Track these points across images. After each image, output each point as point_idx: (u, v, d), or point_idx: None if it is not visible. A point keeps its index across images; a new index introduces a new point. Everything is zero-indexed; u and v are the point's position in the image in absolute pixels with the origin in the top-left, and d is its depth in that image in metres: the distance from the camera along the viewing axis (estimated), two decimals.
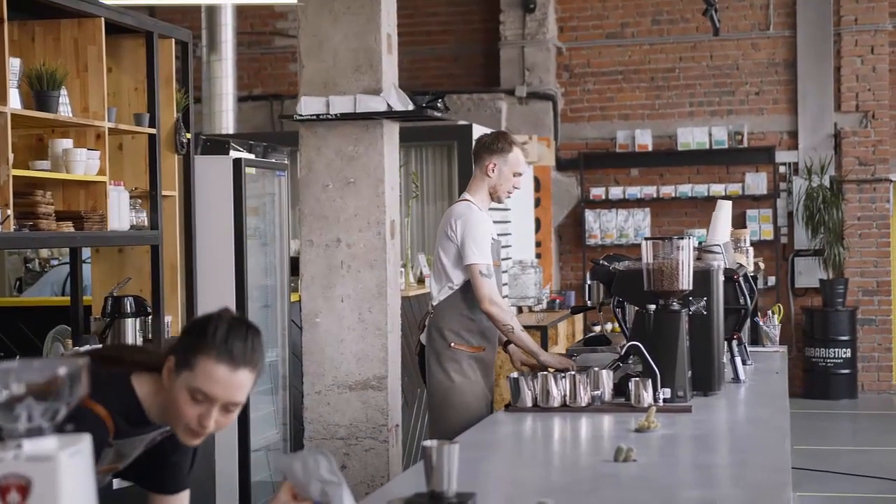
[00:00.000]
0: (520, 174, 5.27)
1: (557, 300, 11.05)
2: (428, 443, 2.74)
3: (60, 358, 1.83)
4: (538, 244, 12.34)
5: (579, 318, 11.18)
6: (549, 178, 12.56)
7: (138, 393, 2.63)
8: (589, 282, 5.14)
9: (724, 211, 5.54)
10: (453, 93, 12.46)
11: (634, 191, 12.75)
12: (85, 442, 1.80)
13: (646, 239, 4.45)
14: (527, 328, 8.96)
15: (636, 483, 3.05)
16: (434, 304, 5.24)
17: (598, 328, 12.26)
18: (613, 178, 12.96)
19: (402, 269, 8.06)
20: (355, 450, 5.68)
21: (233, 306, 6.24)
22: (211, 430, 2.58)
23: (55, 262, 8.56)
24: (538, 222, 12.40)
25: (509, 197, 5.37)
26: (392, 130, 5.91)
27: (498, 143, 5.25)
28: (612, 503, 2.87)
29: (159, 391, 2.62)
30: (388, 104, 5.69)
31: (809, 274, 12.47)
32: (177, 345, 2.61)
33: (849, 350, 12.15)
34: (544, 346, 8.88)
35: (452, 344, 5.14)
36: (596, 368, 4.37)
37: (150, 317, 5.52)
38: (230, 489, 6.22)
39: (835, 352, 12.12)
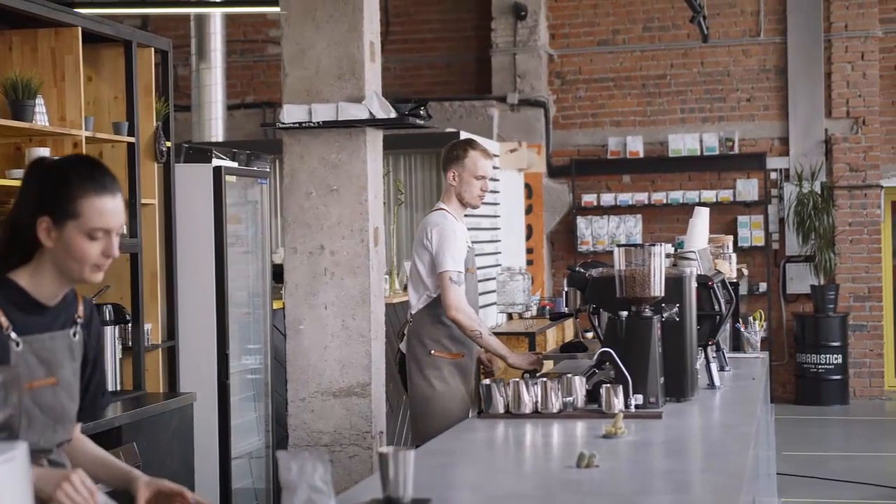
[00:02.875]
0: (482, 177, 5.35)
1: (548, 307, 11.06)
2: (383, 449, 2.77)
3: None
4: (530, 251, 12.37)
5: (569, 324, 11.20)
6: (541, 185, 12.58)
7: (21, 283, 2.69)
8: (566, 288, 5.16)
9: (701, 218, 5.56)
10: (445, 100, 12.50)
11: (626, 197, 12.77)
12: (20, 449, 1.82)
13: (618, 246, 4.47)
14: (515, 335, 9.05)
15: (594, 489, 3.07)
16: (413, 312, 5.33)
17: (590, 335, 12.27)
18: (605, 184, 12.98)
19: (387, 277, 8.08)
20: (339, 456, 5.68)
21: (214, 313, 6.27)
22: (112, 258, 2.69)
23: None
24: (530, 229, 12.42)
25: (482, 200, 5.43)
26: (375, 138, 5.92)
27: (453, 150, 5.39)
28: None
29: (39, 269, 2.69)
30: (371, 112, 5.71)
31: (801, 280, 12.48)
32: (41, 205, 2.67)
33: (840, 356, 12.16)
34: (532, 349, 8.89)
35: (433, 351, 5.23)
36: (569, 375, 4.39)
37: (129, 325, 5.53)
38: (211, 496, 6.23)
39: (826, 358, 12.13)
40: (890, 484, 8.47)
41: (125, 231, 5.56)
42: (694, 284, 4.68)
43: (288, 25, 5.86)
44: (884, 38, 12.54)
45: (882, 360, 12.56)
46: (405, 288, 8.05)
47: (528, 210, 12.36)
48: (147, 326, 5.70)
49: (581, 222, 12.85)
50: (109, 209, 2.68)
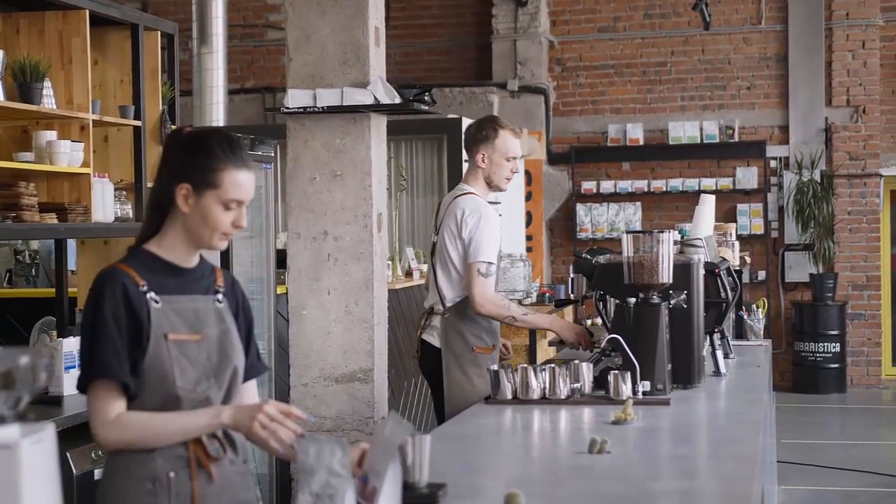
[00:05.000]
0: (513, 158, 5.13)
1: (548, 294, 11.08)
2: None
3: (22, 347, 1.85)
4: (529, 238, 12.37)
5: (569, 311, 11.21)
6: (541, 172, 12.58)
7: (154, 251, 2.85)
8: (572, 275, 5.15)
9: (708, 205, 5.56)
10: (445, 86, 12.49)
11: (626, 185, 12.78)
12: (48, 431, 1.82)
13: (626, 232, 4.46)
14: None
15: (607, 474, 3.07)
16: (448, 304, 5.10)
17: (589, 322, 12.28)
18: (605, 171, 12.99)
19: (390, 262, 8.08)
20: None
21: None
22: (241, 229, 2.86)
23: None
24: (529, 216, 12.42)
25: (509, 182, 5.23)
26: (379, 123, 5.92)
27: (482, 130, 5.15)
28: (582, 494, 2.89)
29: (168, 235, 2.84)
30: (375, 97, 5.70)
31: (799, 268, 12.50)
32: (182, 172, 2.82)
33: (838, 344, 12.18)
34: (532, 338, 8.89)
35: (475, 348, 5.05)
36: (576, 361, 4.39)
37: None
38: None
39: (824, 346, 12.16)
40: (888, 472, 8.50)
41: (131, 216, 5.56)
42: (702, 271, 4.68)
43: (293, 10, 5.85)
44: (885, 26, 12.54)
45: (880, 349, 12.59)
46: (407, 274, 8.05)
47: (528, 197, 12.36)
48: None
49: (580, 209, 12.85)
50: (246, 183, 2.83)
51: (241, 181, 2.82)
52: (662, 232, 4.42)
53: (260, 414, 2.71)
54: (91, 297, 2.79)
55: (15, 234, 5.15)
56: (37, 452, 1.78)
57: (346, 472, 2.59)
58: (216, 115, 10.46)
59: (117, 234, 5.57)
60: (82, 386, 2.80)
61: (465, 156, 9.84)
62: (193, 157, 2.82)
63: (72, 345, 5.08)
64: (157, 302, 2.79)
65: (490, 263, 4.95)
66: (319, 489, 2.60)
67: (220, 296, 2.92)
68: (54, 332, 5.39)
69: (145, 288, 2.78)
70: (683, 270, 4.54)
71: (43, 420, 1.89)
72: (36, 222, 4.80)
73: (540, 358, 8.97)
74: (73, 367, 4.75)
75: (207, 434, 2.81)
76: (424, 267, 8.25)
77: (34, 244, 8.06)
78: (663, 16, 12.89)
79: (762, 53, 12.70)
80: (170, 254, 2.85)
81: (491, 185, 5.17)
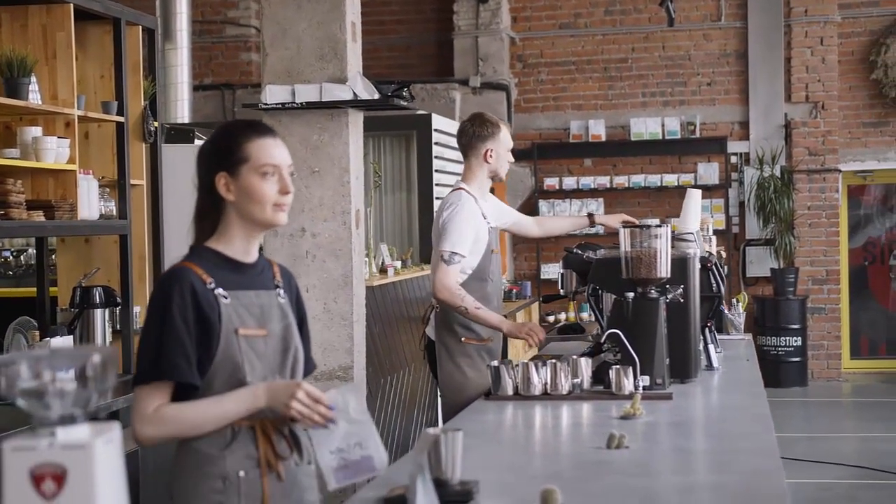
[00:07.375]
0: (510, 148, 5.34)
1: (514, 290, 11.10)
2: (432, 430, 2.74)
3: (93, 345, 1.80)
4: None
5: (535, 307, 11.24)
6: None
7: (215, 247, 2.85)
8: (562, 270, 5.13)
9: (695, 199, 5.58)
10: (407, 83, 12.43)
11: (588, 181, 12.81)
12: (115, 430, 1.78)
13: (624, 226, 4.46)
14: None
15: (633, 469, 3.06)
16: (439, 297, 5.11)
17: (551, 318, 12.31)
18: (567, 168, 13.01)
19: (366, 259, 8.04)
20: None
21: None
22: (290, 196, 2.84)
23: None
24: None
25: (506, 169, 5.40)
26: (357, 119, 5.90)
27: (487, 128, 5.24)
28: (615, 489, 2.87)
29: (226, 229, 2.84)
30: (354, 93, 5.67)
31: (760, 263, 12.60)
32: (215, 165, 2.83)
33: (799, 338, 12.29)
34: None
35: (463, 339, 5.11)
36: (574, 356, 4.38)
37: (118, 307, 5.44)
38: None
39: (785, 340, 12.26)
40: (849, 463, 8.59)
41: (115, 213, 5.48)
42: (697, 265, 4.69)
43: (268, 5, 5.80)
44: (842, 23, 12.66)
45: (839, 343, 12.72)
46: (382, 271, 8.01)
47: (491, 193, 12.33)
48: (136, 309, 5.61)
49: (543, 206, 12.86)
50: (273, 147, 2.84)
51: (268, 146, 2.83)
52: (660, 226, 4.41)
53: (294, 402, 2.69)
54: (158, 296, 2.78)
55: (3, 233, 5.04)
56: (108, 452, 1.74)
57: (365, 416, 2.58)
58: (181, 111, 10.38)
59: (103, 232, 5.48)
60: (139, 383, 2.78)
61: (436, 152, 9.80)
62: (218, 146, 2.86)
63: (59, 345, 5.00)
64: (225, 297, 2.79)
65: (454, 253, 5.01)
66: (342, 443, 2.59)
67: (281, 290, 2.91)
68: (36, 333, 5.29)
69: (212, 285, 2.78)
70: (680, 265, 4.55)
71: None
72: (24, 220, 4.71)
73: (511, 355, 8.97)
74: None
75: (275, 433, 2.80)
76: (399, 264, 8.23)
77: None
78: (624, 12, 12.94)
79: (722, 50, 12.78)
80: (229, 249, 2.85)
81: (494, 179, 5.32)
